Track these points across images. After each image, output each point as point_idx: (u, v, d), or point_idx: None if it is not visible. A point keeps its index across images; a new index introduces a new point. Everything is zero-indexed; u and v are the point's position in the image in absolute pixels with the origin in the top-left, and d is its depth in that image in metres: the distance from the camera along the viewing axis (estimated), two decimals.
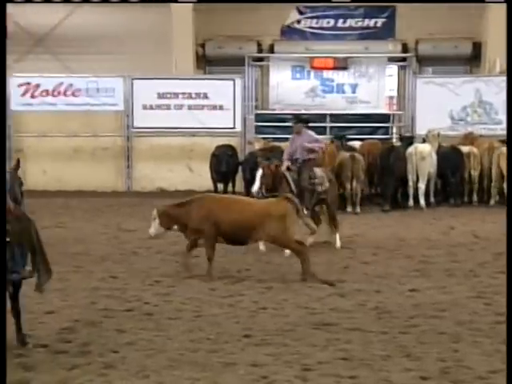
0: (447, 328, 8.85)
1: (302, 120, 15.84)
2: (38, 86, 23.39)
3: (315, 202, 14.85)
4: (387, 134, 24.06)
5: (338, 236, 14.75)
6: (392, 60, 25.20)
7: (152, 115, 23.38)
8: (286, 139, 20.98)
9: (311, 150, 15.04)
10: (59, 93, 23.38)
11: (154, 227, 12.28)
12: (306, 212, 14.34)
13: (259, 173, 14.49)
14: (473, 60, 25.68)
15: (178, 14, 24.25)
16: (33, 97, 23.37)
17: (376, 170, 20.07)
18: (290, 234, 11.82)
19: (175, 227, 12.31)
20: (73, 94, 23.42)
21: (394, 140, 22.96)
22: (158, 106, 23.45)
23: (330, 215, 14.97)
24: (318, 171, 15.08)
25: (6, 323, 7.60)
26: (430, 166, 19.81)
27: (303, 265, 11.58)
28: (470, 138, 21.55)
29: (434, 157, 20.03)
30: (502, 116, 22.75)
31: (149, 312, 9.67)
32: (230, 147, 21.41)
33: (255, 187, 14.52)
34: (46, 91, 23.36)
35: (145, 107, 23.43)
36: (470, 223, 17.04)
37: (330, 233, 14.91)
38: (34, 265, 8.51)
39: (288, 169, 14.79)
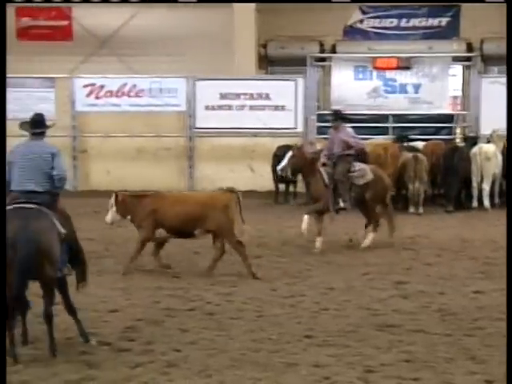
0: None
1: (341, 117, 15.75)
2: (102, 86, 23.61)
3: (355, 196, 14.75)
4: (451, 134, 23.86)
5: (372, 236, 14.67)
6: (456, 60, 24.96)
7: (214, 116, 23.44)
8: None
9: (348, 146, 14.92)
10: (123, 93, 23.58)
11: (111, 214, 12.57)
12: (342, 204, 14.45)
13: (289, 153, 14.66)
14: None
15: (240, 14, 24.27)
16: (97, 97, 23.60)
17: (439, 170, 19.89)
18: (232, 225, 12.13)
19: (129, 217, 12.61)
20: (136, 95, 23.59)
21: (458, 140, 22.76)
22: (220, 107, 23.50)
23: (368, 212, 14.96)
24: (358, 165, 15.01)
25: (5, 324, 7.64)
26: (494, 166, 19.61)
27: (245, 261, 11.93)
28: None
29: (499, 157, 19.81)
30: None
31: (211, 312, 9.72)
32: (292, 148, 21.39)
33: (281, 165, 14.79)
34: (110, 92, 23.57)
35: (207, 108, 23.51)
36: None
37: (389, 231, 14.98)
38: (77, 263, 8.60)
39: (323, 164, 14.77)
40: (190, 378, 7.29)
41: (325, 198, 14.47)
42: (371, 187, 14.79)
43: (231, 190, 12.44)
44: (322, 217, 14.47)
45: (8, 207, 8.12)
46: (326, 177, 14.53)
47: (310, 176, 14.65)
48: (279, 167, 14.94)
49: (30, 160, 8.51)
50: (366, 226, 14.99)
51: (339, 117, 15.66)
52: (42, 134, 8.89)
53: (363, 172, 14.83)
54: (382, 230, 15.86)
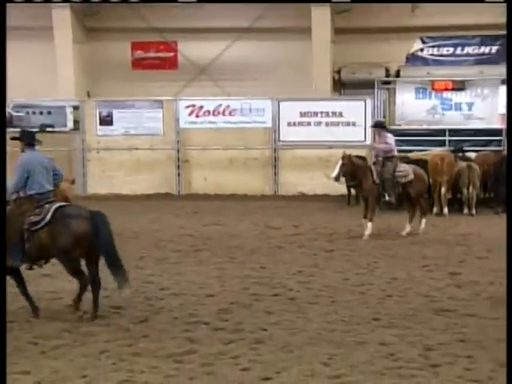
0: None
1: (378, 124, 16.40)
2: (201, 107, 23.84)
3: (399, 192, 15.20)
4: (499, 146, 23.38)
5: (424, 221, 15.23)
6: (504, 82, 24.46)
7: (295, 131, 23.48)
8: (410, 151, 20.81)
9: (388, 148, 15.31)
10: (218, 113, 23.77)
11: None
12: (388, 198, 15.11)
13: (340, 162, 14.86)
14: None
15: (317, 44, 24.23)
16: (197, 116, 23.83)
17: (489, 177, 19.54)
18: None
19: None
20: (229, 114, 23.77)
21: (506, 151, 22.29)
22: (300, 123, 23.52)
23: (416, 204, 15.33)
24: (403, 166, 15.37)
25: (5, 321, 7.66)
26: None
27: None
28: None
29: None
30: None
31: (292, 297, 9.71)
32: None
33: (334, 174, 14.99)
34: (208, 111, 23.78)
35: (289, 124, 23.56)
36: None
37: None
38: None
39: (374, 163, 15.31)
40: (275, 353, 7.29)
41: (374, 193, 14.96)
42: (413, 185, 15.18)
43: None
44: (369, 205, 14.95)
45: (53, 205, 8.67)
46: (375, 175, 14.89)
47: (361, 176, 15.00)
48: (332, 175, 15.01)
49: (44, 166, 8.98)
50: (409, 220, 15.30)
51: (376, 125, 16.48)
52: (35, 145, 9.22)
53: (406, 172, 15.14)
54: (439, 229, 15.71)
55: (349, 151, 16.15)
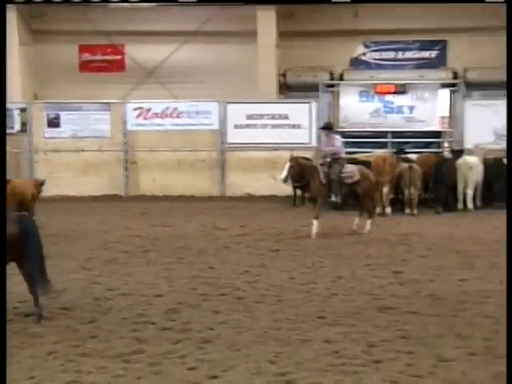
0: (491, 312, 8.70)
1: (326, 126, 16.48)
2: (149, 109, 23.75)
3: (345, 192, 15.54)
4: (439, 148, 23.75)
5: (369, 222, 15.41)
6: (444, 86, 24.87)
7: (241, 133, 23.51)
8: (354, 153, 20.99)
9: (336, 150, 15.55)
10: (166, 115, 23.70)
11: None
12: (334, 198, 15.33)
13: (288, 164, 14.97)
14: None
15: (263, 48, 24.32)
16: (145, 119, 23.73)
17: (430, 178, 19.79)
18: None
19: None
20: (177, 116, 23.71)
21: (446, 153, 22.63)
22: (247, 126, 23.56)
23: (363, 204, 15.61)
24: (349, 166, 15.60)
25: (5, 321, 7.62)
26: (476, 175, 19.50)
27: None
28: None
29: (481, 167, 19.71)
30: None
31: (239, 296, 9.72)
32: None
33: (282, 176, 15.08)
34: (156, 114, 23.70)
35: (236, 126, 23.58)
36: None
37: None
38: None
39: (321, 164, 15.45)
40: (222, 351, 7.29)
41: (321, 193, 15.17)
42: (360, 184, 15.42)
43: None
44: (316, 205, 15.11)
45: None
46: (322, 176, 15.06)
47: (309, 177, 15.16)
48: (281, 177, 15.14)
49: None
50: (359, 215, 15.59)
51: (324, 127, 16.43)
52: None
53: (352, 173, 15.38)
54: (382, 229, 15.86)
55: (294, 153, 16.30)
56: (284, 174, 15.00)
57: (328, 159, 15.40)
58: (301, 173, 15.13)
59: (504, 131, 22.49)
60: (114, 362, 7.00)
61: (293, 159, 15.12)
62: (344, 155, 15.81)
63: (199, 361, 7.03)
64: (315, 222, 14.92)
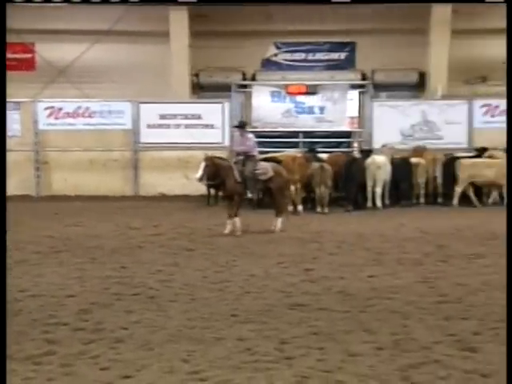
0: (398, 307, 8.87)
1: (239, 125, 16.63)
2: (60, 109, 23.39)
3: (260, 188, 15.86)
4: (349, 147, 24.13)
5: (280, 220, 15.51)
6: (353, 87, 25.29)
7: (155, 133, 23.41)
8: (266, 152, 21.13)
9: (253, 148, 15.78)
10: (77, 115, 23.40)
11: None
12: (250, 195, 15.66)
13: (203, 164, 15.06)
14: (418, 87, 25.76)
15: (176, 49, 24.28)
16: (56, 118, 23.36)
17: (340, 177, 20.10)
18: None
19: None
20: (89, 116, 23.43)
21: (355, 152, 23.02)
22: (160, 125, 23.47)
23: (275, 201, 15.76)
24: (262, 164, 15.81)
25: (6, 323, 7.47)
26: (384, 174, 19.90)
27: None
28: (418, 151, 21.64)
29: (388, 166, 20.11)
30: (443, 133, 22.97)
31: (152, 296, 9.65)
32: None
33: (197, 175, 15.16)
34: (67, 113, 23.37)
35: (149, 126, 23.47)
36: (417, 221, 17.07)
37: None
38: None
39: (235, 163, 15.60)
40: (135, 351, 7.23)
41: (237, 192, 15.29)
42: (273, 181, 15.56)
43: None
44: (234, 203, 15.27)
45: None
46: (237, 174, 15.18)
47: (224, 176, 15.26)
48: (197, 176, 15.18)
49: None
50: (276, 215, 15.66)
51: (238, 125, 16.62)
52: None
53: (266, 170, 15.56)
54: (294, 227, 16.02)
55: (208, 153, 16.31)
56: (200, 173, 15.05)
57: (241, 157, 15.54)
58: (216, 172, 15.22)
59: (410, 131, 23.10)
60: (24, 364, 6.87)
61: (208, 158, 15.19)
62: (257, 153, 15.93)
63: (112, 361, 6.96)
64: (237, 220, 15.10)
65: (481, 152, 21.38)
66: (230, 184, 15.28)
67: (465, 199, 20.77)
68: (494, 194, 20.70)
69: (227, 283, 10.45)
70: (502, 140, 21.59)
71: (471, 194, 20.36)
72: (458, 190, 20.19)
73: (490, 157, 20.79)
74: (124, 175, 23.55)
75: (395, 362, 6.82)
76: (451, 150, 22.09)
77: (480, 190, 20.80)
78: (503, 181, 19.55)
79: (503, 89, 25.07)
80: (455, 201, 20.17)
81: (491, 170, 19.96)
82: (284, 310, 8.84)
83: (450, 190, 20.66)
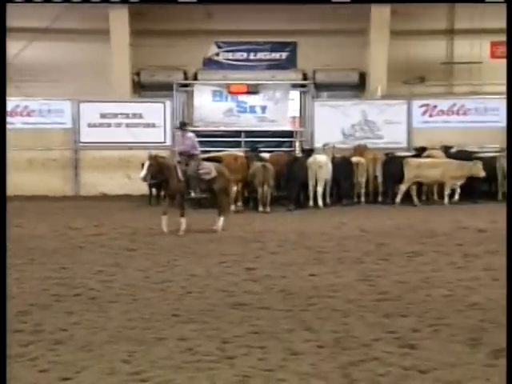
0: (339, 305, 8.93)
1: (180, 125, 16.83)
2: None
3: (203, 188, 15.76)
4: (291, 147, 24.26)
5: (222, 219, 15.58)
6: (294, 86, 25.43)
7: (95, 132, 23.20)
8: (208, 151, 21.11)
9: (192, 147, 15.86)
10: (16, 114, 23.06)
11: None
12: (193, 195, 15.55)
13: (147, 163, 15.10)
14: (359, 87, 26.03)
15: (116, 47, 24.10)
16: None
17: (282, 176, 20.20)
18: None
19: None
20: (28, 115, 23.10)
21: (297, 152, 23.15)
22: (101, 124, 23.27)
23: (218, 201, 15.84)
24: (205, 164, 15.92)
25: (6, 321, 7.36)
26: (326, 173, 20.03)
27: None
28: (359, 150, 21.85)
29: (330, 165, 20.26)
30: (383, 132, 23.25)
31: (93, 296, 9.54)
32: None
33: (142, 174, 15.24)
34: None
35: (89, 125, 23.26)
36: (358, 219, 17.25)
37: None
38: None
39: (178, 162, 15.65)
40: (74, 353, 7.14)
41: (180, 191, 15.35)
42: (216, 181, 15.64)
43: None
44: (177, 202, 15.42)
45: None
46: (180, 173, 15.21)
47: (168, 175, 15.30)
48: (141, 175, 15.22)
49: None
50: (218, 214, 15.72)
51: (180, 126, 16.77)
52: None
53: (209, 170, 15.64)
54: (236, 226, 16.03)
55: (152, 152, 16.28)
56: (143, 172, 15.10)
57: (184, 157, 15.57)
58: (160, 171, 15.28)
59: (351, 131, 23.32)
60: None
61: (152, 158, 15.25)
62: (197, 153, 15.92)
63: (51, 363, 6.86)
64: (183, 220, 15.13)
65: (420, 151, 21.69)
66: (173, 183, 15.29)
67: (405, 198, 21.09)
68: (458, 191, 20.96)
69: (169, 283, 10.40)
70: (440, 139, 22.06)
71: (413, 192, 20.66)
72: (403, 188, 20.45)
73: (429, 156, 21.09)
74: (64, 175, 23.28)
75: (336, 360, 6.87)
76: (391, 150, 22.37)
77: (420, 189, 21.13)
78: (449, 180, 19.96)
79: (441, 89, 25.65)
80: (398, 199, 20.43)
81: (437, 169, 20.30)
82: (226, 310, 8.83)
83: (390, 189, 20.95)
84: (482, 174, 20.17)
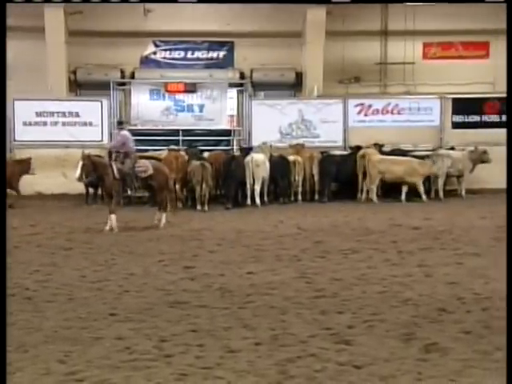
0: (277, 303, 8.97)
1: (118, 124, 17.21)
2: None
3: (140, 186, 15.83)
4: (229, 145, 24.24)
5: (164, 215, 15.71)
6: (232, 85, 25.42)
7: (31, 130, 22.88)
8: (146, 150, 20.98)
9: (122, 146, 15.87)
10: None
11: None
12: (130, 192, 15.41)
13: (80, 163, 15.17)
14: (296, 86, 26.16)
15: (52, 45, 23.76)
16: None
17: (220, 175, 20.19)
18: None
19: None
20: None
21: (235, 150, 23.16)
22: (37, 123, 22.94)
23: (157, 198, 15.97)
24: (142, 161, 15.90)
25: (6, 324, 7.16)
26: (263, 171, 20.09)
27: None
28: (296, 149, 21.94)
29: (267, 164, 20.33)
30: (319, 131, 23.43)
31: (29, 296, 9.41)
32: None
33: (76, 174, 15.27)
34: None
35: (25, 124, 22.89)
36: (295, 218, 17.32)
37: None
38: None
39: (115, 160, 15.74)
40: (9, 353, 6.97)
41: (116, 188, 15.34)
42: (154, 178, 15.67)
43: None
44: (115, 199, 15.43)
45: None
46: (116, 171, 15.23)
47: (103, 173, 15.32)
48: (75, 176, 15.22)
49: None
50: (158, 209, 15.81)
51: (119, 124, 17.06)
52: None
53: (146, 167, 15.62)
54: (174, 225, 15.97)
55: (86, 151, 16.12)
56: (77, 172, 15.02)
57: (120, 155, 15.53)
58: (94, 170, 15.28)
59: (288, 129, 23.45)
60: None
61: (85, 157, 15.17)
62: (131, 150, 15.81)
63: None
64: (112, 217, 15.05)
65: (355, 150, 21.91)
66: (108, 181, 15.29)
67: (339, 196, 21.32)
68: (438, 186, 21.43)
69: (106, 282, 10.31)
70: (375, 138, 22.33)
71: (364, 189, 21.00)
72: (373, 187, 20.64)
73: (363, 156, 21.23)
74: None
75: (273, 357, 6.90)
76: (327, 148, 22.55)
77: (350, 187, 21.36)
78: (410, 178, 20.43)
79: (376, 89, 25.98)
80: (374, 197, 20.56)
81: (399, 166, 20.60)
82: (164, 308, 8.80)
83: (327, 188, 21.14)
84: (440, 172, 20.98)
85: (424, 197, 20.62)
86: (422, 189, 20.73)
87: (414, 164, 20.74)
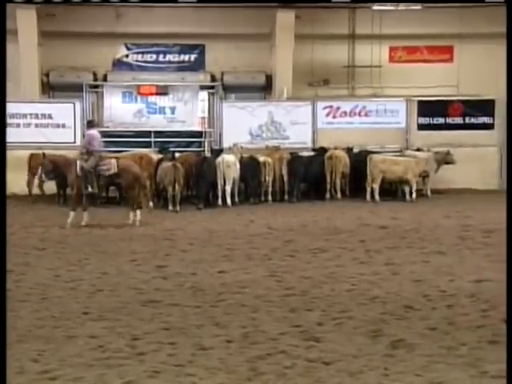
0: (247, 301, 9.00)
1: (87, 123, 17.50)
2: None
3: (105, 184, 16.28)
4: (200, 147, 24.19)
5: (138, 213, 15.77)
6: (203, 88, 25.39)
7: None
8: (119, 151, 20.87)
9: (88, 144, 15.91)
10: None
11: None
12: (90, 189, 15.39)
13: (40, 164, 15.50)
14: (266, 88, 26.15)
15: (24, 48, 23.54)
16: None
17: (192, 176, 20.14)
18: None
19: None
20: None
21: (206, 152, 23.13)
22: (10, 125, 22.71)
23: (127, 196, 16.20)
24: (107, 160, 15.91)
25: (6, 323, 7.10)
26: (234, 172, 20.06)
27: None
28: (271, 150, 21.92)
29: (238, 165, 20.30)
30: (289, 133, 23.49)
31: None
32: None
33: (38, 175, 15.50)
34: None
35: None
36: (265, 217, 17.33)
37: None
38: None
39: (81, 158, 15.85)
40: None
41: (77, 185, 15.52)
42: (120, 177, 15.79)
43: None
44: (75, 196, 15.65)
45: None
46: (79, 169, 15.38)
47: (66, 171, 15.64)
48: (37, 177, 15.45)
49: None
50: (132, 208, 15.89)
51: (89, 123, 17.28)
52: None
53: (110, 166, 15.64)
54: (146, 225, 15.91)
55: (59, 152, 16.15)
56: (38, 173, 15.31)
57: (86, 153, 15.67)
58: (54, 169, 15.67)
59: (259, 131, 23.48)
60: None
61: (44, 157, 15.82)
62: (96, 149, 15.76)
63: None
64: (71, 214, 15.36)
65: (320, 152, 21.95)
66: (71, 178, 15.62)
67: (307, 196, 21.37)
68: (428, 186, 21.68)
69: (79, 281, 10.27)
70: (343, 139, 22.43)
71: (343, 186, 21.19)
72: (375, 186, 20.69)
73: (331, 157, 21.27)
74: None
75: (244, 354, 6.91)
76: (297, 150, 22.59)
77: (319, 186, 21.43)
78: (407, 177, 20.63)
79: (344, 91, 26.09)
80: (377, 196, 20.59)
81: (399, 166, 20.73)
82: (136, 307, 8.78)
83: (295, 188, 21.18)
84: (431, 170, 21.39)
85: (414, 195, 20.76)
86: (414, 187, 20.91)
87: (411, 163, 20.97)
